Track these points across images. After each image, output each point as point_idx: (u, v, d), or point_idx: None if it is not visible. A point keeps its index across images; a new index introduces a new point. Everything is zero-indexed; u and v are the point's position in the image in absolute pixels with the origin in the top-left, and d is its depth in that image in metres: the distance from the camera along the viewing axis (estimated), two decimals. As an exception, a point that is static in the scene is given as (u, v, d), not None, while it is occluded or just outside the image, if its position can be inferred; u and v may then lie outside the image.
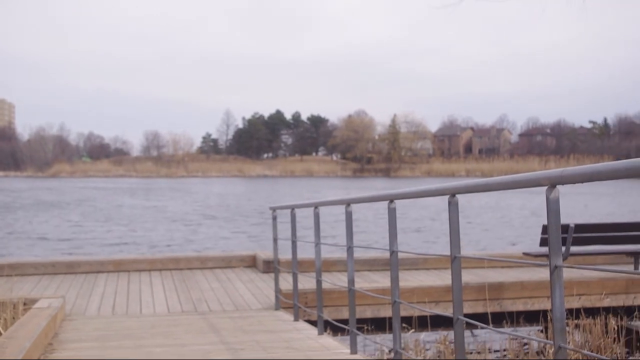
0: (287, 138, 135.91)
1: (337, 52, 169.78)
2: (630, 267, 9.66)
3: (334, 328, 7.12)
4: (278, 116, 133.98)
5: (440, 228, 26.24)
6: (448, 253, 3.61)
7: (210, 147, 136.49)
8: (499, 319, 8.50)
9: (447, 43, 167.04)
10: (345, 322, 6.18)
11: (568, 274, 8.91)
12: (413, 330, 7.98)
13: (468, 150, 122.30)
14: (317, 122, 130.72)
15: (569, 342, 7.82)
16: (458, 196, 3.63)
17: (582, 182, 2.62)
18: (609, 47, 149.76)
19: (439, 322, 8.04)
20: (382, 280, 9.13)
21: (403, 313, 7.61)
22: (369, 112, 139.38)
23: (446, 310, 7.70)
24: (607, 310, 8.65)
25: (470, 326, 8.15)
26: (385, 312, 7.96)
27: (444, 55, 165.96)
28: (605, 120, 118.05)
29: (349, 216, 5.45)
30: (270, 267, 10.04)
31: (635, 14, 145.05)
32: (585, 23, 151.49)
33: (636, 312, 8.73)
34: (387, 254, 4.45)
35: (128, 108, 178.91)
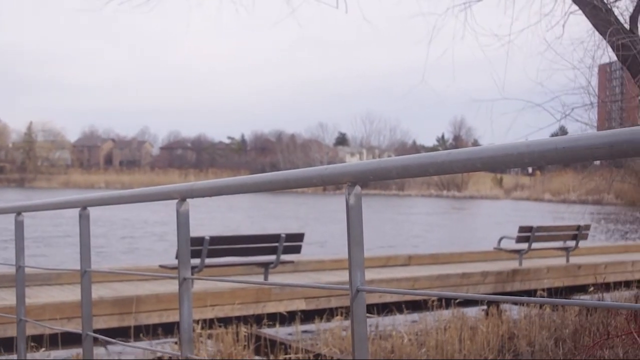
0: None
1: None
2: (261, 278, 10.17)
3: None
4: None
5: (106, 242, 25.20)
6: (94, 267, 3.49)
7: None
8: (136, 333, 8.45)
9: (90, 52, 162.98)
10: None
11: (203, 285, 9.13)
12: (44, 349, 7.62)
13: (109, 161, 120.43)
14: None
15: (200, 352, 8.01)
16: (91, 209, 3.54)
17: (212, 195, 2.70)
18: (250, 68, 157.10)
19: (73, 339, 7.77)
20: (10, 297, 8.58)
21: (33, 331, 7.23)
22: (3, 118, 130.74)
23: (80, 326, 7.46)
24: (239, 319, 9.03)
25: (104, 341, 7.98)
26: (14, 331, 7.48)
27: (87, 64, 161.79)
28: (243, 136, 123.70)
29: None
30: None
31: (277, 38, 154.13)
32: (229, 43, 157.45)
33: (265, 320, 9.23)
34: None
35: None
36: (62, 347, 7.77)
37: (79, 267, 3.51)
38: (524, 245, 12.44)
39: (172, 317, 8.61)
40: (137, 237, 27.83)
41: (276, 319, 9.37)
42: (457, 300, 10.17)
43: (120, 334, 8.04)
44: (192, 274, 6.02)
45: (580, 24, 8.45)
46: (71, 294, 9.03)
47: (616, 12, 8.11)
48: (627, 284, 12.88)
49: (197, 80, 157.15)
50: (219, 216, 38.65)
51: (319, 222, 37.10)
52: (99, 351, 8.31)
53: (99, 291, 8.55)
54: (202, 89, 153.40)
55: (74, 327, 7.55)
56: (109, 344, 8.57)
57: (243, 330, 8.69)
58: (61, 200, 3.81)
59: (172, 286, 9.61)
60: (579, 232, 13.05)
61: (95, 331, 3.63)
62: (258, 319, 9.26)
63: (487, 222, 39.91)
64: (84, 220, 3.50)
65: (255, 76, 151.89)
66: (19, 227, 4.25)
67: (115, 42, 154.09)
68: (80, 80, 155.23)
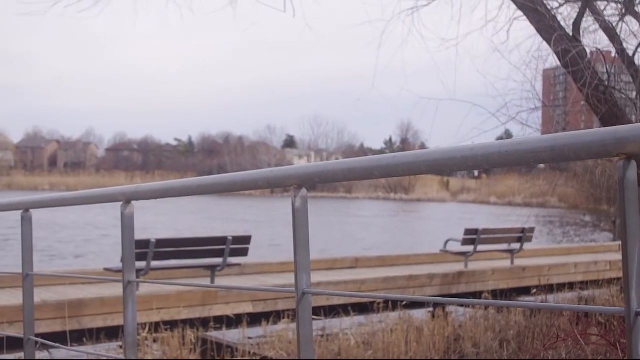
0: None
1: None
2: (208, 280, 10.10)
3: None
4: None
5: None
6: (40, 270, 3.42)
7: None
8: (80, 337, 8.33)
9: (34, 52, 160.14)
10: None
11: (149, 288, 9.05)
12: (-16, 353, 7.46)
13: (53, 163, 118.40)
14: None
15: (146, 355, 7.93)
16: (34, 211, 3.47)
17: (157, 198, 2.67)
18: (198, 70, 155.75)
19: (15, 344, 7.62)
20: (-50, 301, 8.38)
21: (-27, 336, 7.08)
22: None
23: (22, 331, 7.32)
24: (185, 322, 8.95)
25: (47, 346, 7.85)
26: (-47, 336, 7.31)
27: (31, 64, 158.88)
28: (190, 138, 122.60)
29: None
30: None
31: (224, 41, 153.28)
32: (177, 45, 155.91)
33: (211, 323, 9.18)
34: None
35: None
36: (4, 351, 7.62)
37: (20, 270, 3.44)
38: (470, 248, 12.59)
39: (117, 320, 8.50)
40: (87, 240, 27.44)
41: (223, 322, 9.32)
42: (404, 303, 10.24)
43: (64, 338, 7.91)
44: (138, 277, 5.96)
45: (525, 29, 8.58)
46: (13, 297, 8.87)
47: (559, 18, 8.25)
48: (571, 286, 13.13)
49: (144, 81, 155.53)
50: (167, 219, 38.33)
51: (266, 224, 37.02)
52: (41, 356, 8.17)
53: (42, 295, 8.41)
54: (149, 91, 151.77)
55: (15, 331, 7.41)
56: (52, 349, 8.43)
57: (189, 333, 8.62)
58: (3, 202, 3.73)
59: (117, 289, 9.49)
60: (523, 235, 13.25)
61: (38, 335, 3.57)
62: (204, 322, 9.20)
63: (434, 225, 40.27)
64: (26, 222, 3.43)
65: (203, 78, 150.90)
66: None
67: (60, 42, 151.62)
68: (24, 80, 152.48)
